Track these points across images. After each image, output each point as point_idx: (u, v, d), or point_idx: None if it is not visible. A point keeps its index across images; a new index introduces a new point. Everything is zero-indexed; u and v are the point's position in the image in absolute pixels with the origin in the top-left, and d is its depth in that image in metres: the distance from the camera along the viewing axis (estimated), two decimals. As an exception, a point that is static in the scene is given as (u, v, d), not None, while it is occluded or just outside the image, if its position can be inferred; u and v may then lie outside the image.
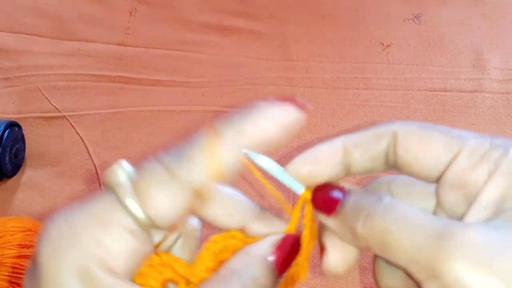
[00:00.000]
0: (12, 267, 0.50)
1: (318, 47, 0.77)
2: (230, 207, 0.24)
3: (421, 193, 0.23)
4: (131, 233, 0.20)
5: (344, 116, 0.70)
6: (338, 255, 0.22)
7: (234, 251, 0.22)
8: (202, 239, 0.24)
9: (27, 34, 0.78)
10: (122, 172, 0.20)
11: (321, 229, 0.23)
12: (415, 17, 0.81)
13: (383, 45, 0.77)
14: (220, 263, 0.22)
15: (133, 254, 0.20)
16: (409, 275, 0.19)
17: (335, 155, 0.22)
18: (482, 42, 0.77)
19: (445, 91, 0.72)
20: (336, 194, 0.22)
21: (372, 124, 0.23)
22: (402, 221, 0.19)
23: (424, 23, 0.80)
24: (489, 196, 0.19)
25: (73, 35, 0.78)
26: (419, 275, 0.18)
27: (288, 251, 0.22)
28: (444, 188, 0.21)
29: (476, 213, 0.20)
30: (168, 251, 0.24)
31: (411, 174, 0.22)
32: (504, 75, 0.73)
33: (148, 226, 0.20)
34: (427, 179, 0.22)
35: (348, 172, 0.23)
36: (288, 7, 0.83)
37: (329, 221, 0.22)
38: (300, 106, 0.21)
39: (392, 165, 0.22)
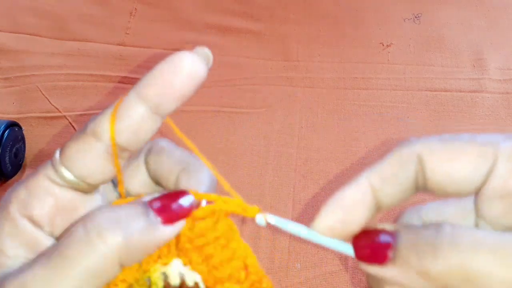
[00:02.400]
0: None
1: (318, 47, 0.77)
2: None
3: (455, 212, 0.21)
4: (58, 186, 0.23)
5: (344, 116, 0.70)
6: None
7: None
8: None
9: (27, 34, 0.78)
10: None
11: (376, 285, 0.20)
12: (415, 17, 0.81)
13: (383, 45, 0.77)
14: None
15: (60, 204, 0.23)
16: None
17: (364, 197, 0.20)
18: (482, 42, 0.77)
19: (445, 91, 0.72)
20: (384, 238, 0.19)
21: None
22: (480, 246, 0.17)
23: (424, 23, 0.80)
24: None
25: (73, 35, 0.78)
26: None
27: (170, 197, 0.23)
28: (485, 200, 0.20)
29: None
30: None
31: (444, 193, 0.20)
32: (504, 75, 0.73)
33: (75, 181, 0.23)
34: (462, 195, 0.20)
35: (379, 209, 0.21)
36: (288, 7, 0.83)
37: (386, 271, 0.19)
38: (201, 54, 0.21)
39: (422, 188, 0.21)
